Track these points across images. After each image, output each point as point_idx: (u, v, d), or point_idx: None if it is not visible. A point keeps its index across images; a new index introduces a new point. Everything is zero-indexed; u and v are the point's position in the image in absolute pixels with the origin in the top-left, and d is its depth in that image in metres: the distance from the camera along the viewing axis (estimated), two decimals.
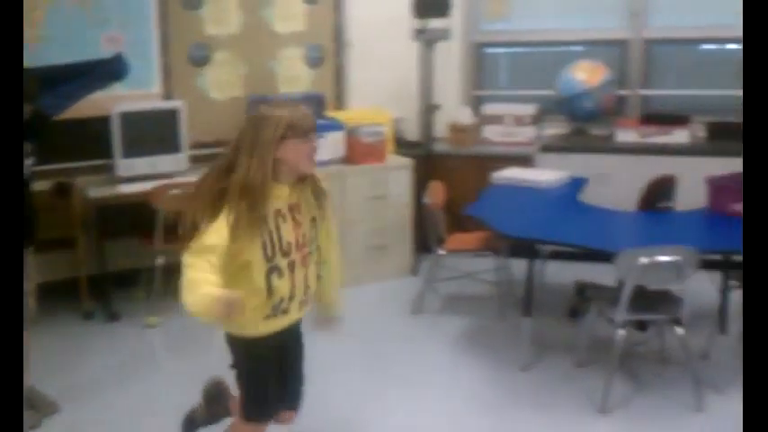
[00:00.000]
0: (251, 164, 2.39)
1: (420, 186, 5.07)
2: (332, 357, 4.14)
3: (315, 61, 5.56)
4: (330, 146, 4.99)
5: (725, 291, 3.88)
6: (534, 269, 4.68)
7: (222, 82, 5.24)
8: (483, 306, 4.77)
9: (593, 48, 5.86)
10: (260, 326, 2.58)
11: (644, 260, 3.32)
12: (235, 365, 2.71)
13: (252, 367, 2.68)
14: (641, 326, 4.19)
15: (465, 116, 5.73)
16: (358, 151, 5.07)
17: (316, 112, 5.21)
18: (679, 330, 3.55)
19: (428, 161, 5.45)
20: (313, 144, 2.51)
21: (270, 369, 2.69)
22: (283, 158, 2.45)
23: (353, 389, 3.84)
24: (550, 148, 5.43)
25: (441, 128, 5.70)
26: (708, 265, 3.69)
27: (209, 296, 2.24)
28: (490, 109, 5.78)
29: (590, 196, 4.54)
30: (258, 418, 2.75)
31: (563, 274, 4.90)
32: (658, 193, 4.34)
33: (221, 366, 2.82)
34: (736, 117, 5.33)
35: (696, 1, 5.67)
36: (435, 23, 5.39)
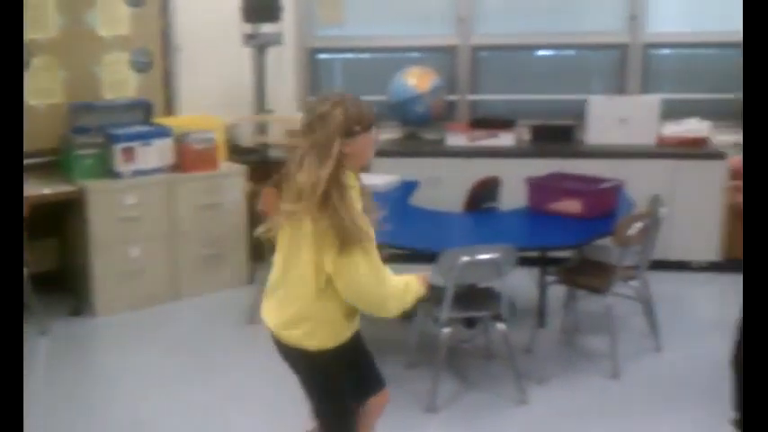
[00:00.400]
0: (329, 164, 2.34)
1: (255, 193, 5.00)
2: (167, 370, 4.03)
3: (142, 66, 5.38)
4: (158, 153, 4.84)
5: (543, 286, 4.06)
6: None
7: (41, 89, 4.98)
8: None
9: (426, 54, 6.00)
10: (352, 324, 2.54)
11: (464, 259, 3.42)
12: (322, 385, 2.57)
13: (340, 377, 2.56)
14: (470, 323, 4.33)
15: (299, 122, 5.70)
16: (188, 158, 4.94)
17: (143, 119, 5.08)
18: (500, 326, 3.67)
19: (263, 168, 5.40)
20: (377, 134, 2.51)
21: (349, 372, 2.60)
22: (352, 153, 2.39)
23: (189, 402, 3.74)
24: (384, 152, 5.50)
25: (275, 134, 5.67)
26: (527, 262, 3.86)
27: (406, 282, 2.43)
28: None
29: (423, 199, 4.64)
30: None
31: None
32: (483, 195, 4.48)
33: None
34: (558, 119, 5.65)
35: (524, 10, 5.92)
36: (267, 28, 5.35)
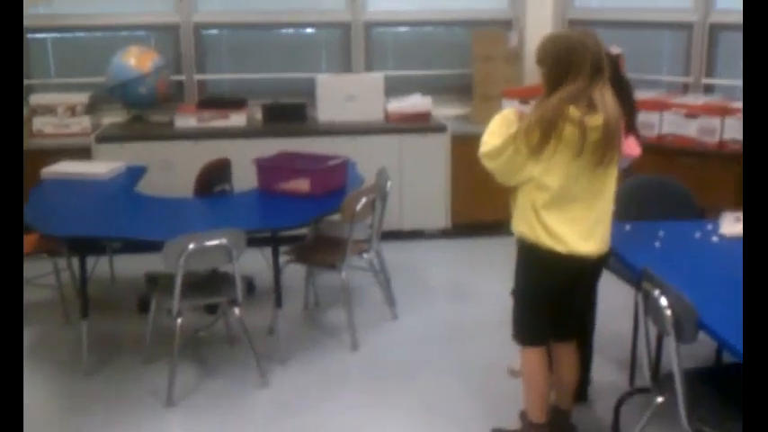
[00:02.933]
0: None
1: None
2: None
3: None
4: None
5: (277, 266, 4.03)
6: (97, 266, 4.50)
7: None
8: (47, 312, 4.41)
9: (147, 33, 5.72)
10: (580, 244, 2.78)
11: (190, 247, 3.30)
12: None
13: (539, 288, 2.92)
14: (211, 310, 4.22)
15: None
16: None
17: None
18: (236, 310, 3.60)
19: None
20: None
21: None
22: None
23: None
24: (108, 137, 5.19)
25: None
26: (263, 243, 3.81)
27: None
28: (39, 99, 5.34)
29: (152, 185, 4.43)
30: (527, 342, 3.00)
31: (137, 266, 4.71)
32: (214, 178, 4.36)
33: None
34: (289, 98, 5.63)
35: None
36: None
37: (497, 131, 2.81)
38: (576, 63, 2.68)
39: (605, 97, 2.70)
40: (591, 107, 2.68)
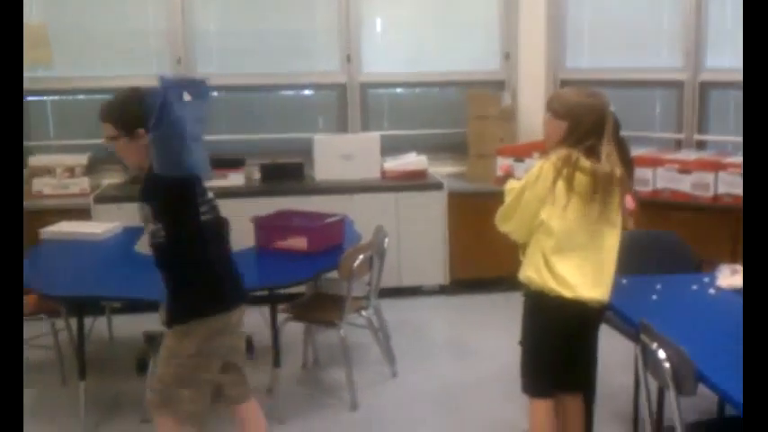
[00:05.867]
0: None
1: None
2: None
3: None
4: None
5: (275, 324, 4.03)
6: (95, 326, 4.49)
7: None
8: (44, 373, 4.37)
9: None
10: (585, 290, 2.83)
11: None
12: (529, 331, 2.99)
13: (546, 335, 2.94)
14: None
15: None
16: None
17: None
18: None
19: None
20: None
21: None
22: None
23: None
24: (106, 198, 5.23)
25: None
26: (261, 301, 3.81)
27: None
28: (38, 161, 5.40)
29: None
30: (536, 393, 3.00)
31: (135, 326, 4.68)
32: None
33: None
34: (287, 158, 5.69)
35: (248, 52, 5.92)
36: None
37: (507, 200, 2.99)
38: (592, 122, 2.83)
39: (611, 152, 2.82)
40: (598, 160, 2.81)
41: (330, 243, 4.09)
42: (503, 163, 5.27)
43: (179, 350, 2.81)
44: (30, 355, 4.53)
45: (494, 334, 4.73)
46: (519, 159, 5.23)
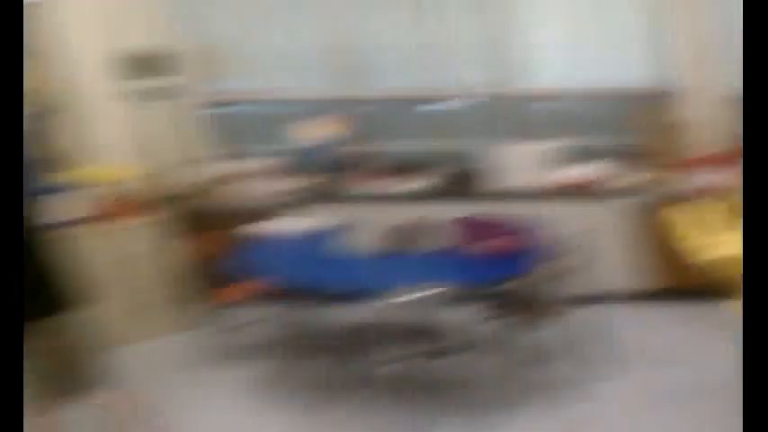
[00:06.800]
0: None
1: (179, 241, 5.02)
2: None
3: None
4: (72, 206, 4.64)
5: (486, 320, 4.14)
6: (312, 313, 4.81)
7: None
8: (268, 352, 4.80)
9: (316, 106, 6.02)
10: None
11: (401, 298, 3.55)
12: None
13: None
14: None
15: (209, 173, 5.67)
16: (106, 209, 4.81)
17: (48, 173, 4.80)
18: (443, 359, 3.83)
19: (188, 216, 5.31)
20: None
21: None
22: None
23: None
24: (301, 200, 5.53)
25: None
26: (465, 298, 3.94)
27: None
28: (233, 166, 5.78)
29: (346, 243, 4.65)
30: None
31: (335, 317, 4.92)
32: (404, 238, 4.54)
33: None
34: (464, 165, 5.84)
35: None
36: (157, 82, 5.26)
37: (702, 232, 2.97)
38: None
39: None
40: None
41: (528, 245, 4.22)
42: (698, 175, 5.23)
43: None
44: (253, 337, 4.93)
45: (705, 341, 4.68)
46: (714, 169, 5.16)
